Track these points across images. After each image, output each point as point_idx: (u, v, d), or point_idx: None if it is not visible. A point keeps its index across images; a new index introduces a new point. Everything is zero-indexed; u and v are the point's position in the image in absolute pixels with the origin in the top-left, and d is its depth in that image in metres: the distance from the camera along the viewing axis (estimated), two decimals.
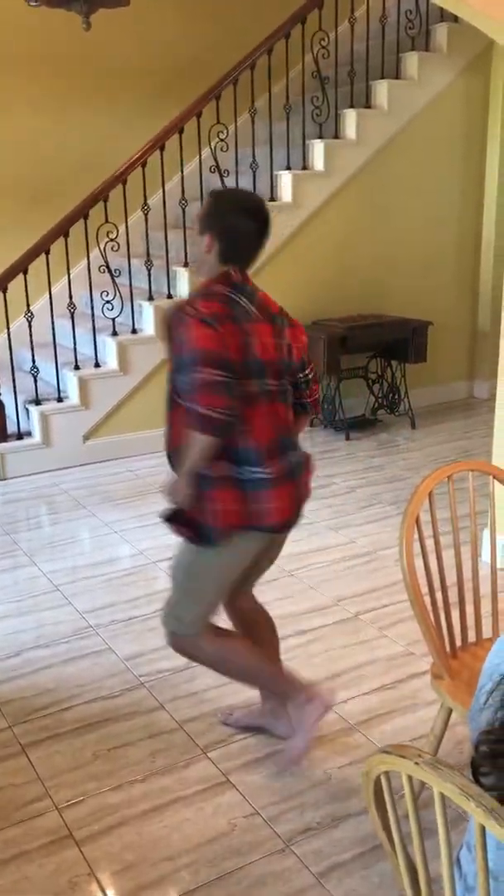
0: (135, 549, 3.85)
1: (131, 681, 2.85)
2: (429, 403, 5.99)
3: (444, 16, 5.53)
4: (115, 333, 5.01)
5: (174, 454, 2.18)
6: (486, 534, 3.31)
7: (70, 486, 4.66)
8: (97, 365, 5.00)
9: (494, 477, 2.23)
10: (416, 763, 1.05)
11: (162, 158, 4.88)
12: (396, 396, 5.64)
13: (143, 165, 4.86)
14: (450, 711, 2.10)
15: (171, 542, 3.86)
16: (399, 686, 2.78)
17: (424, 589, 2.14)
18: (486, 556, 3.50)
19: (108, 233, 4.80)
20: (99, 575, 3.61)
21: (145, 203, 4.95)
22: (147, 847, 2.14)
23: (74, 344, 4.97)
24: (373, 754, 1.16)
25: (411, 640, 3.02)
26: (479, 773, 1.04)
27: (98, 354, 5.01)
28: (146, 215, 4.98)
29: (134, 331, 5.06)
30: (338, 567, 3.62)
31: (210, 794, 2.32)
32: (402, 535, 2.00)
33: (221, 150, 5.08)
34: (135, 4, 4.25)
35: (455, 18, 5.55)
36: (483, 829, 1.01)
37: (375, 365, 5.61)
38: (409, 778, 1.10)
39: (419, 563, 2.08)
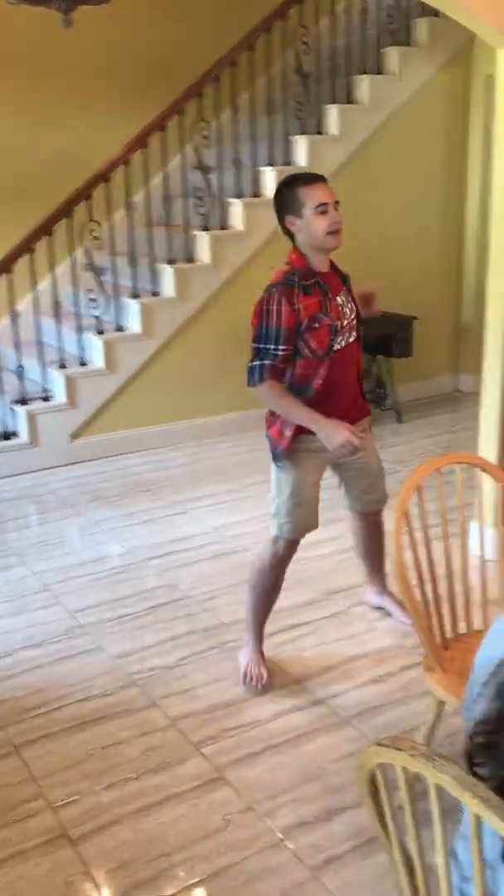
0: (123, 548, 3.85)
1: (123, 679, 2.85)
2: (414, 397, 6.00)
3: (424, 10, 5.53)
4: (100, 332, 5.00)
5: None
6: (475, 525, 3.32)
7: (58, 486, 4.64)
8: (83, 363, 4.98)
9: (482, 469, 2.24)
10: (412, 755, 1.06)
11: (145, 156, 4.87)
12: (382, 391, 5.65)
13: (127, 163, 4.85)
14: (442, 703, 2.12)
15: (161, 539, 3.89)
16: (391, 679, 2.79)
17: (415, 581, 2.16)
18: (474, 547, 3.52)
19: (91, 231, 4.78)
20: (88, 574, 3.61)
21: (129, 200, 4.93)
22: (142, 845, 2.14)
23: (60, 343, 4.96)
24: (368, 747, 1.17)
25: (402, 632, 3.04)
26: (474, 763, 1.05)
27: (84, 353, 5.00)
28: (130, 213, 4.97)
29: (119, 329, 5.05)
30: (328, 561, 3.63)
31: (204, 790, 2.32)
32: (393, 528, 2.01)
33: (205, 147, 5.07)
34: (115, 2, 4.23)
35: (436, 13, 5.56)
36: (478, 819, 1.02)
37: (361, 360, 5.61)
38: (405, 770, 1.11)
39: (409, 555, 2.09)
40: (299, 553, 3.65)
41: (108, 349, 4.98)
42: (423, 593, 2.11)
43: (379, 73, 5.46)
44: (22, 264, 4.71)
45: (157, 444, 5.12)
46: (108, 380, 5.02)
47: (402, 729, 2.53)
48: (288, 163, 5.30)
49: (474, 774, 1.05)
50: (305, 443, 2.61)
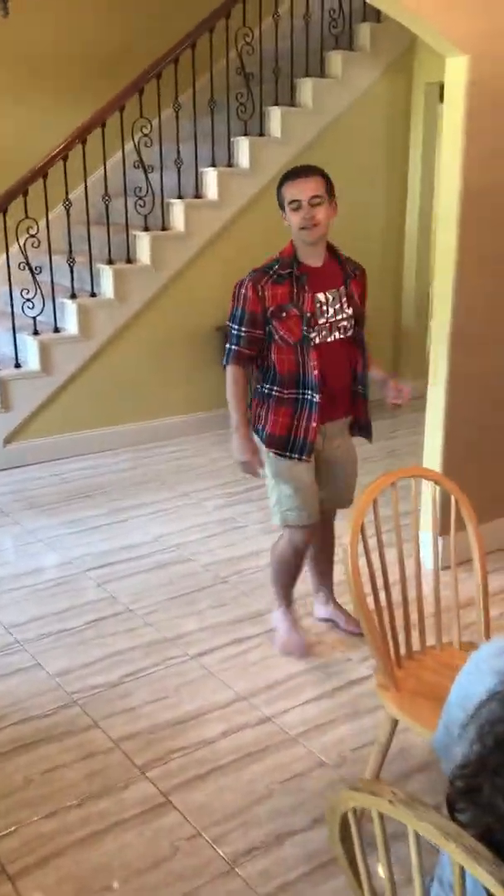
0: (63, 558, 3.71)
1: (63, 698, 2.73)
2: None
3: (366, 15, 5.53)
4: (36, 332, 4.84)
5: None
6: (426, 537, 3.30)
7: None
8: (18, 365, 4.81)
9: (436, 482, 2.21)
10: (391, 802, 1.00)
11: (84, 152, 4.73)
12: None
13: (65, 159, 4.70)
14: (395, 722, 2.07)
15: (101, 549, 3.77)
16: (338, 694, 2.74)
17: (367, 589, 2.11)
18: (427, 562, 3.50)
19: (28, 228, 4.62)
20: (25, 586, 3.47)
21: (67, 198, 4.78)
22: (86, 877, 2.04)
23: None
24: (341, 790, 1.10)
25: (349, 645, 3.00)
26: (455, 809, 0.99)
27: (18, 354, 4.83)
28: (68, 210, 4.82)
29: (56, 330, 4.90)
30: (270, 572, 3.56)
31: (150, 815, 2.23)
32: (347, 540, 1.95)
33: (146, 145, 4.96)
34: None
35: (378, 18, 5.57)
36: (462, 868, 0.96)
37: None
38: (381, 816, 1.05)
39: (361, 566, 2.04)
40: (240, 564, 3.62)
41: (44, 350, 4.83)
42: (378, 605, 2.05)
43: (322, 76, 5.43)
44: None
45: (96, 448, 4.98)
46: (44, 382, 4.86)
47: (352, 746, 2.49)
48: (230, 164, 5.24)
49: (454, 820, 0.99)
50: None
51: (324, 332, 2.66)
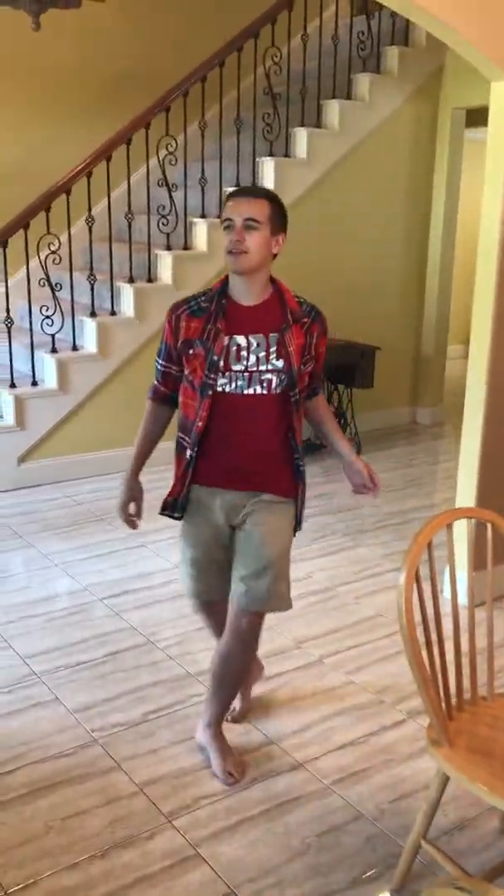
0: (78, 585, 3.59)
1: (83, 736, 2.60)
2: (373, 428, 5.89)
3: (395, 39, 5.49)
4: (54, 350, 4.74)
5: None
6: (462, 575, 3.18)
7: (4, 513, 4.35)
8: (35, 383, 4.71)
9: (492, 523, 2.09)
10: None
11: (108, 169, 4.66)
12: (343, 421, 5.52)
13: (89, 175, 4.62)
14: (446, 778, 1.94)
15: (117, 576, 3.64)
16: (372, 739, 2.61)
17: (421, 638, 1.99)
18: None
19: (49, 244, 4.53)
20: (41, 614, 3.34)
21: (90, 214, 4.70)
22: None
23: (11, 361, 4.68)
24: (435, 890, 0.98)
25: (380, 686, 2.87)
26: None
27: (36, 372, 4.72)
28: (90, 227, 4.74)
29: (75, 347, 4.80)
30: (296, 605, 3.39)
31: (178, 870, 2.10)
32: (401, 591, 1.83)
33: (170, 163, 4.88)
34: (85, 7, 4.03)
35: (406, 42, 5.53)
36: None
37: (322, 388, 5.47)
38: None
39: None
40: None
41: (62, 369, 4.73)
42: (430, 656, 1.93)
43: (349, 98, 5.38)
44: None
45: (111, 469, 4.85)
46: (62, 401, 4.75)
47: (392, 797, 2.36)
48: (254, 184, 5.16)
49: None
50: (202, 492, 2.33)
51: (239, 382, 2.19)
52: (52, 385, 4.72)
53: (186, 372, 2.24)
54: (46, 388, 4.72)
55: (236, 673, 2.41)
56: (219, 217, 5.06)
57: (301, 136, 5.23)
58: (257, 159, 5.17)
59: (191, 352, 2.21)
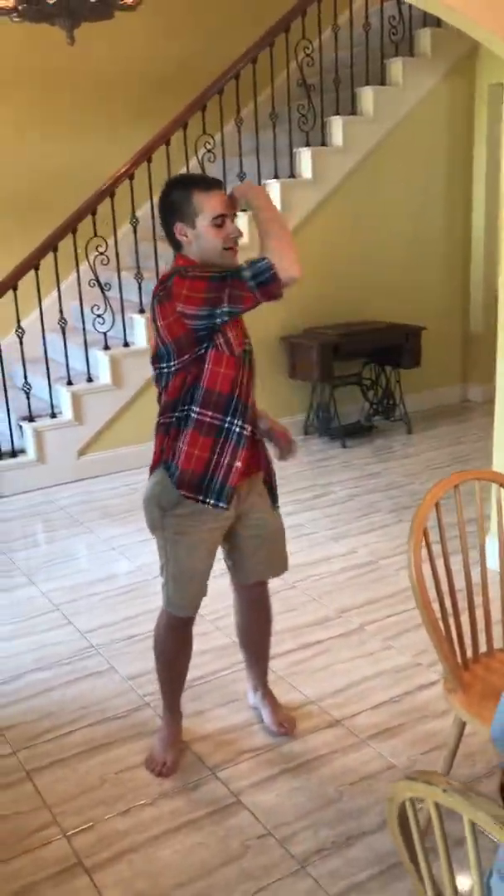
0: (133, 566, 3.80)
1: (135, 701, 2.80)
2: (423, 408, 5.96)
3: (427, 20, 5.53)
4: (106, 347, 4.97)
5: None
6: (492, 541, 3.27)
7: (66, 503, 4.61)
8: (89, 379, 4.96)
9: (501, 485, 2.20)
10: (445, 790, 1.02)
11: (150, 170, 4.86)
12: (391, 402, 5.61)
13: (131, 178, 4.84)
14: (463, 724, 2.07)
15: None
16: (408, 698, 2.74)
17: (433, 602, 2.11)
18: (492, 563, 3.47)
19: (97, 246, 4.77)
20: (99, 593, 3.57)
21: (134, 216, 4.92)
22: (159, 873, 2.09)
23: (66, 359, 4.94)
24: (398, 780, 1.12)
25: (417, 650, 2.99)
26: None
27: (90, 369, 4.97)
28: (135, 228, 4.95)
29: (126, 344, 5.03)
30: (340, 578, 3.58)
31: (221, 815, 2.28)
32: (410, 545, 1.96)
33: (209, 160, 5.05)
34: (117, 16, 4.22)
35: (438, 23, 5.56)
36: None
37: (369, 371, 5.58)
38: (437, 805, 1.07)
39: (426, 571, 2.04)
40: (309, 570, 3.64)
41: (115, 365, 4.96)
42: (443, 612, 2.06)
43: (383, 84, 5.45)
44: (27, 280, 4.69)
45: None
46: (115, 395, 4.99)
47: (422, 750, 2.48)
48: (293, 175, 5.29)
49: None
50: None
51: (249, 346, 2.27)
52: (107, 381, 4.96)
53: (232, 337, 2.14)
54: (101, 383, 4.96)
55: (270, 634, 2.63)
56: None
57: (336, 125, 5.33)
58: (294, 150, 5.30)
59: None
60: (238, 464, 2.20)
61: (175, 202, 2.16)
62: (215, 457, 2.19)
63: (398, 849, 1.21)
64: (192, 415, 2.18)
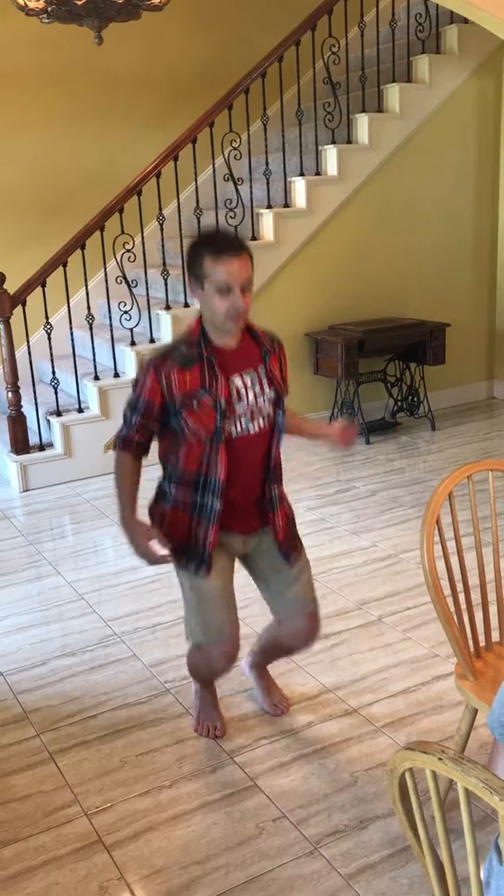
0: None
1: (157, 687, 2.86)
2: (448, 405, 5.97)
3: (454, 17, 5.54)
4: (133, 343, 5.05)
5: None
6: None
7: (92, 496, 4.69)
8: (116, 375, 5.04)
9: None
10: (440, 758, 1.06)
11: (176, 168, 4.92)
12: (416, 399, 5.63)
13: (158, 176, 4.90)
14: (475, 712, 2.10)
15: None
16: (424, 688, 2.77)
17: (447, 590, 2.15)
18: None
19: (124, 244, 4.84)
20: (123, 583, 3.64)
21: (160, 213, 4.99)
22: (176, 852, 2.15)
23: (94, 355, 5.02)
24: (397, 751, 1.16)
25: (435, 642, 3.02)
26: None
27: (117, 364, 5.05)
28: (161, 226, 5.02)
29: (152, 340, 5.10)
30: (360, 571, 3.62)
31: (237, 798, 2.33)
32: (423, 535, 2.00)
33: (235, 158, 5.11)
34: (144, 17, 4.29)
35: (465, 19, 5.56)
36: None
37: (394, 368, 5.60)
38: (434, 774, 1.11)
39: (441, 564, 2.08)
40: (330, 563, 3.68)
41: (141, 360, 5.02)
42: (456, 601, 2.09)
43: (409, 81, 5.47)
44: (56, 277, 4.78)
45: None
46: None
47: (436, 738, 2.51)
48: (318, 173, 5.32)
49: None
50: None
51: (243, 422, 2.22)
52: (133, 376, 5.03)
53: (190, 423, 2.16)
54: (128, 379, 5.03)
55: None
56: (285, 206, 5.28)
57: (362, 122, 5.36)
58: (320, 147, 5.33)
59: (195, 402, 2.14)
60: (210, 538, 2.27)
61: (190, 259, 2.15)
62: (192, 528, 2.30)
63: (399, 819, 1.25)
64: (166, 487, 2.37)
